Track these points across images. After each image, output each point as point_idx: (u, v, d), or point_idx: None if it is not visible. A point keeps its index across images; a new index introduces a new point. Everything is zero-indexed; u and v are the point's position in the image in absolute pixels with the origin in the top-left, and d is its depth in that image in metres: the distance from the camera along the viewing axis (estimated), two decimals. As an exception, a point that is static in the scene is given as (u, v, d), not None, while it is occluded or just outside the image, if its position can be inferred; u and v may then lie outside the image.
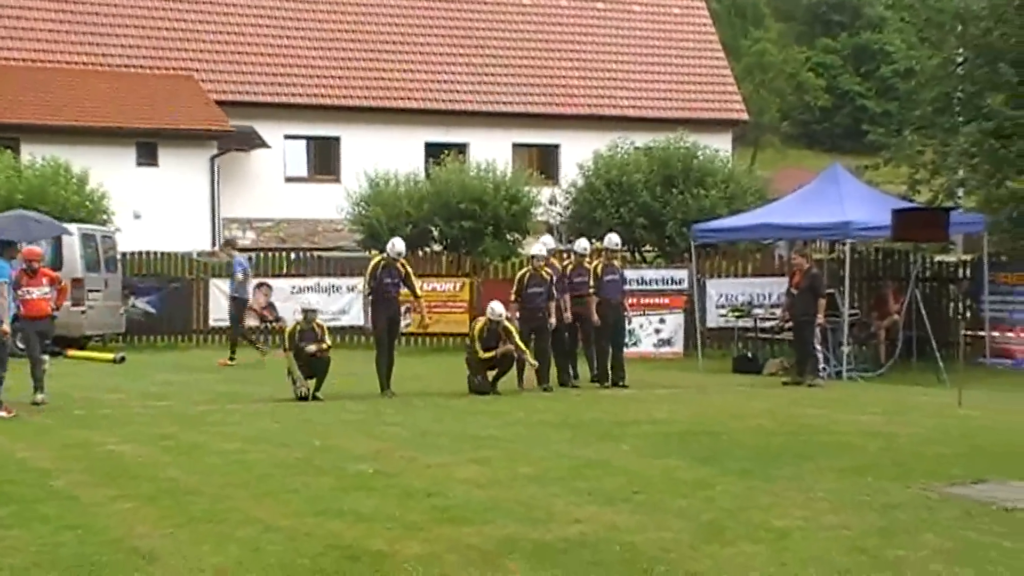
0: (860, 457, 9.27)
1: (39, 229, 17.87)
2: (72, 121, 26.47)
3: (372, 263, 14.93)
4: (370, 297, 14.84)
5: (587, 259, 16.24)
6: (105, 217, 23.54)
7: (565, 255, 23.72)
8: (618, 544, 6.42)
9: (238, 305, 19.95)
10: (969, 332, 19.11)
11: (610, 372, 15.56)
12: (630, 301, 20.86)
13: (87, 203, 23.04)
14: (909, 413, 12.34)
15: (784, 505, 7.42)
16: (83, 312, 20.09)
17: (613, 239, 16.48)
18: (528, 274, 15.46)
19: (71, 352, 19.33)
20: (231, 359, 19.09)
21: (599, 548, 6.35)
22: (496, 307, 14.41)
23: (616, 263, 16.42)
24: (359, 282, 22.91)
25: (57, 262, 18.94)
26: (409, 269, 14.92)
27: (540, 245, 16.26)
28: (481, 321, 14.65)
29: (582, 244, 16.63)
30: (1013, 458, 9.33)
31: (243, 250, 26.75)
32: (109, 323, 21.30)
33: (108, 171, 24.63)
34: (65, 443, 10.15)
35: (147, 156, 27.48)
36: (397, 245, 14.66)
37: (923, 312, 18.39)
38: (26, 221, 17.81)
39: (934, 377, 17.18)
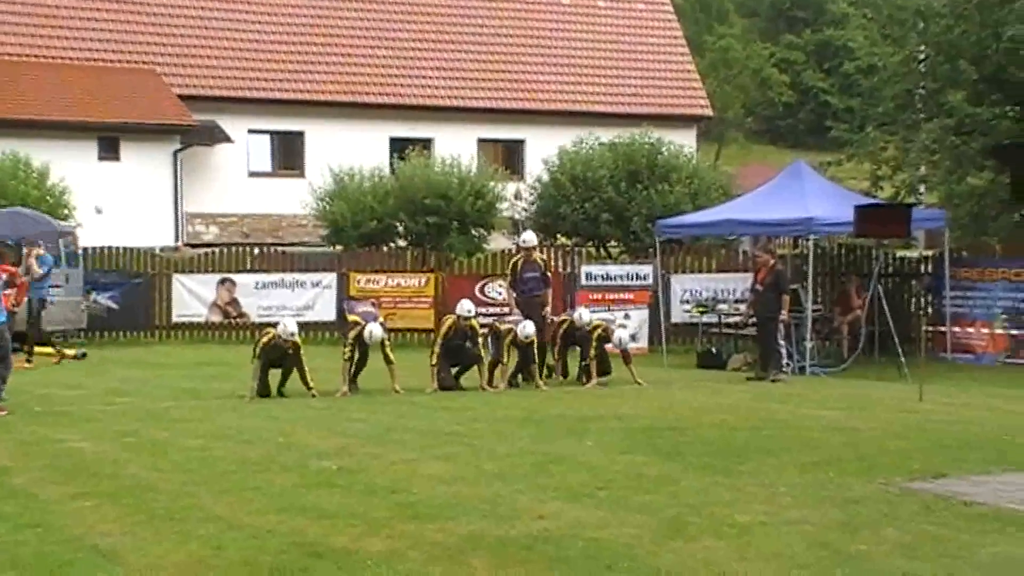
0: (822, 452, 9.32)
1: (29, 225, 17.46)
2: (32, 115, 26.23)
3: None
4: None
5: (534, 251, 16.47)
6: (66, 212, 23.35)
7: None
8: (582, 540, 6.42)
9: (40, 304, 18.38)
10: (930, 327, 19.28)
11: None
12: (595, 297, 21.08)
13: (48, 198, 22.85)
14: (871, 408, 12.42)
15: (747, 500, 7.45)
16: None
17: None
18: (521, 260, 16.09)
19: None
20: (28, 361, 17.55)
21: (563, 544, 6.35)
22: (467, 304, 14.44)
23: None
24: (324, 277, 22.89)
25: (17, 258, 18.73)
26: None
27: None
28: (450, 320, 14.58)
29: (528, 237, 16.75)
30: (973, 452, 9.41)
31: (207, 246, 26.67)
32: (70, 319, 21.10)
33: (69, 166, 24.46)
34: (24, 440, 10.05)
35: (109, 150, 27.28)
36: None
37: (885, 308, 18.51)
38: (16, 218, 17.46)
39: (896, 372, 17.30)
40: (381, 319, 14.78)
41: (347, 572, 5.85)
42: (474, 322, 14.44)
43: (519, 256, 16.52)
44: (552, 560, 6.06)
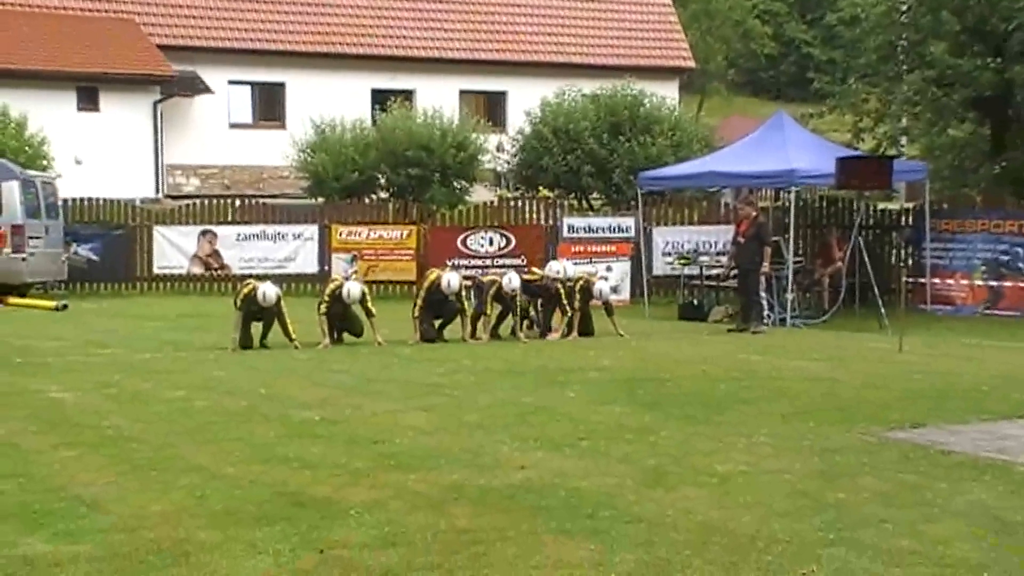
0: (802, 402, 9.37)
1: None
2: (9, 65, 25.93)
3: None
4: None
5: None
6: (45, 163, 23.19)
7: (512, 201, 23.86)
8: (563, 490, 6.45)
9: None
10: (911, 279, 19.38)
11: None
12: (577, 249, 21.11)
13: (26, 148, 22.68)
14: (851, 359, 12.49)
15: (727, 450, 7.50)
16: (24, 259, 19.83)
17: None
18: (538, 280, 15.22)
19: (11, 300, 19.07)
20: None
21: (544, 493, 6.38)
22: (453, 282, 14.07)
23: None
24: (305, 229, 22.82)
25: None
26: None
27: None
28: (433, 274, 14.53)
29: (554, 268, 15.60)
30: (951, 402, 9.48)
31: (188, 197, 26.54)
32: (50, 270, 21.02)
33: (48, 116, 24.25)
34: (4, 391, 10.01)
35: (88, 101, 27.04)
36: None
37: (866, 259, 18.58)
38: None
39: (876, 324, 17.39)
40: (354, 270, 14.56)
41: (329, 521, 5.87)
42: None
43: (539, 279, 15.31)
44: (533, 509, 6.09)
